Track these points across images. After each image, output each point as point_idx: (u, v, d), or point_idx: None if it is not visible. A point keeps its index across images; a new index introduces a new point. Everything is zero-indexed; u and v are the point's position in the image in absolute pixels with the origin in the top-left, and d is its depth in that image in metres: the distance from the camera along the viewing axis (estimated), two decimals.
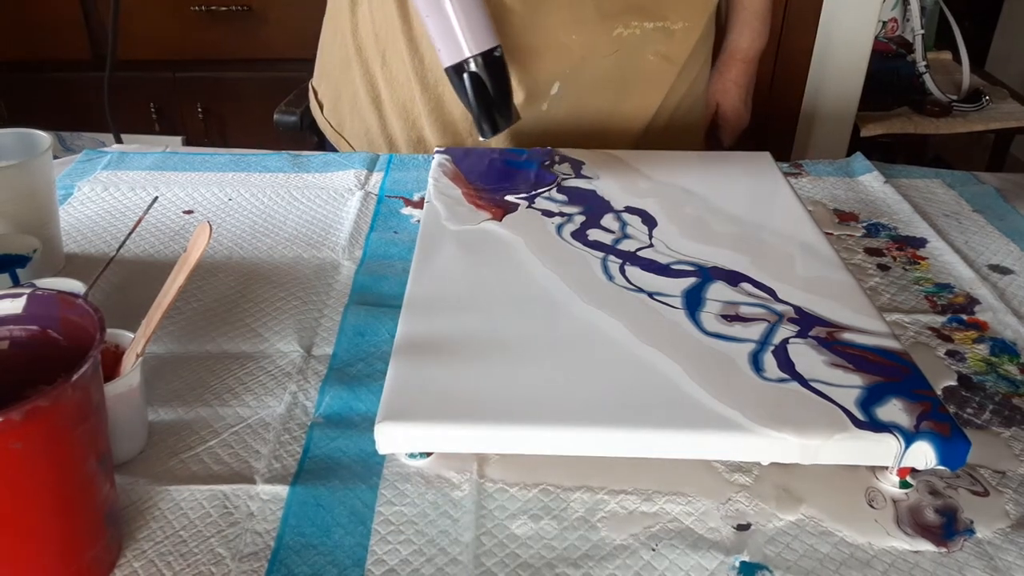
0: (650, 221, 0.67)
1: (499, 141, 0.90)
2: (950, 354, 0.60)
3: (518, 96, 0.87)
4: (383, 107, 0.93)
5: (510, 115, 0.76)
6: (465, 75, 0.73)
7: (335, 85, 0.98)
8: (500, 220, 0.66)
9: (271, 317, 0.63)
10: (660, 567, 0.43)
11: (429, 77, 0.88)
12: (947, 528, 0.46)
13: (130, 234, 0.65)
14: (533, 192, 0.70)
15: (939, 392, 0.56)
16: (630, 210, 0.68)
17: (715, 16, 0.95)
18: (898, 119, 1.70)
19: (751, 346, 0.52)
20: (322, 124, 1.02)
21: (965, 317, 0.64)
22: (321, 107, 1.02)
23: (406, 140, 0.93)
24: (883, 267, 0.70)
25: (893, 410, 0.47)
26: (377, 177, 0.84)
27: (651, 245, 0.63)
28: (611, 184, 0.73)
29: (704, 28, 0.91)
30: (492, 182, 0.72)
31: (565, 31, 0.84)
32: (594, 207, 0.69)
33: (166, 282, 0.48)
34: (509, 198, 0.69)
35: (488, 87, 0.73)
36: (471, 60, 0.73)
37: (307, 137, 1.25)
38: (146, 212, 0.72)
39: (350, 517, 0.46)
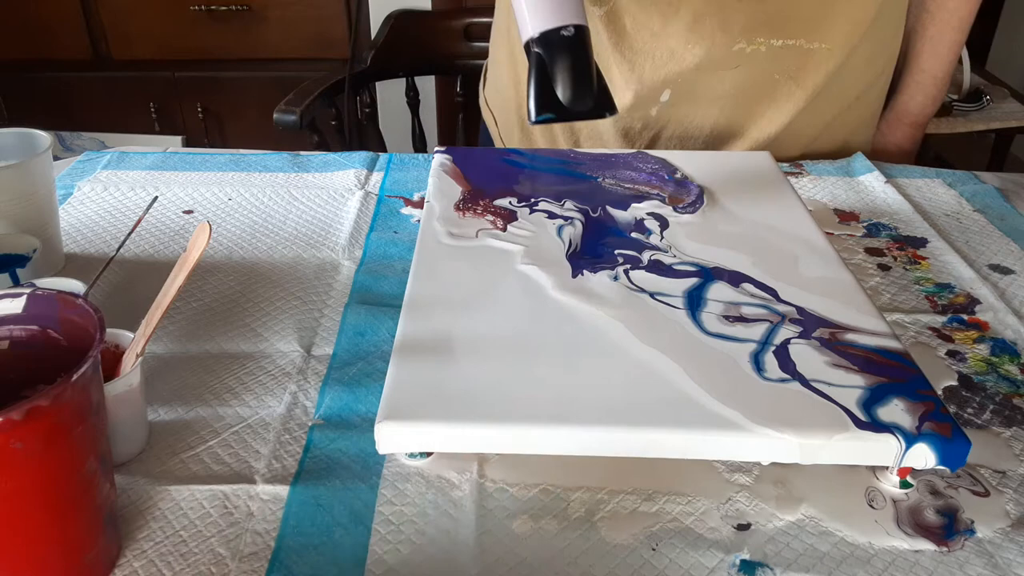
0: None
1: (613, 136, 0.89)
2: (951, 354, 0.60)
3: (625, 97, 0.85)
4: (520, 86, 0.94)
5: (585, 100, 0.61)
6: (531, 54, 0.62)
7: (494, 62, 1.01)
8: (504, 231, 0.64)
9: (271, 317, 0.63)
10: (660, 566, 0.43)
11: None
12: (947, 528, 0.46)
13: (130, 234, 0.65)
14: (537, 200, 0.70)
15: (940, 392, 0.56)
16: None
17: (881, 57, 0.88)
18: None
19: (752, 346, 0.52)
20: (481, 101, 1.05)
21: (966, 317, 0.64)
22: (484, 84, 1.05)
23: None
24: (883, 267, 0.70)
25: (895, 411, 0.46)
26: (377, 177, 0.84)
27: None
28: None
29: (849, 56, 0.84)
30: (494, 183, 0.72)
31: (679, 39, 0.81)
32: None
33: (166, 282, 0.48)
34: (502, 203, 0.69)
35: (549, 68, 0.60)
36: (532, 41, 0.62)
37: (307, 137, 1.25)
38: (146, 212, 0.72)
39: (350, 517, 0.46)
